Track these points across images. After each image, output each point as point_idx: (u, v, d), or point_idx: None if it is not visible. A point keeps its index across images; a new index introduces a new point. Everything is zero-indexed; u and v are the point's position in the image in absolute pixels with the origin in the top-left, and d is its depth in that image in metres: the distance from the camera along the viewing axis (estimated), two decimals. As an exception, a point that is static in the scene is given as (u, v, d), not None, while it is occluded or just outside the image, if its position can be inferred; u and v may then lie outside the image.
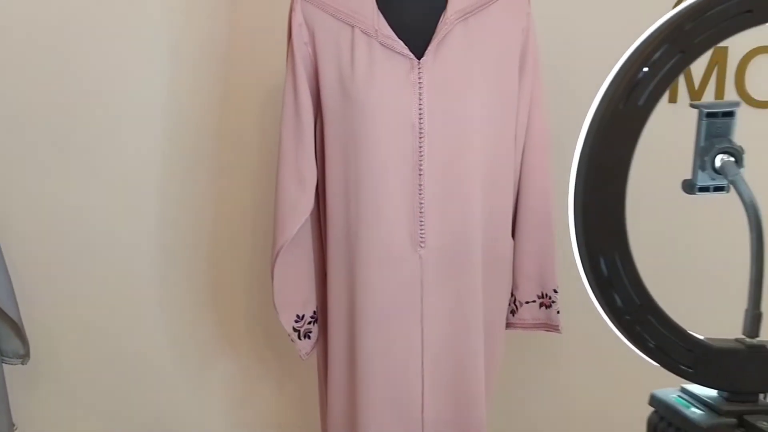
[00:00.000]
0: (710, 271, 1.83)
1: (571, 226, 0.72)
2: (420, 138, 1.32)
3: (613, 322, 0.74)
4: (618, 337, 0.76)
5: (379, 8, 1.32)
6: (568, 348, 1.88)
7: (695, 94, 1.77)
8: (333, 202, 1.38)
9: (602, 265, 0.71)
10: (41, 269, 1.89)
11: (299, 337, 1.47)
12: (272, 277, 1.43)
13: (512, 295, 1.50)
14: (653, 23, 0.70)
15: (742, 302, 0.75)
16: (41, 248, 1.89)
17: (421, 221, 1.33)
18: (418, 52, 1.32)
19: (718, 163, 0.76)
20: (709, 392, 0.76)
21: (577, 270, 0.73)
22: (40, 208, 1.87)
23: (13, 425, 1.81)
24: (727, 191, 0.78)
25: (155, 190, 1.88)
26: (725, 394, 0.75)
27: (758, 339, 0.74)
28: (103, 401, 1.97)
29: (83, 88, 1.83)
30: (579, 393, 1.94)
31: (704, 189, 0.78)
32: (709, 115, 0.75)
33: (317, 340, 1.50)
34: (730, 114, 0.75)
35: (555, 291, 1.48)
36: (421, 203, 1.33)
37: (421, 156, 1.32)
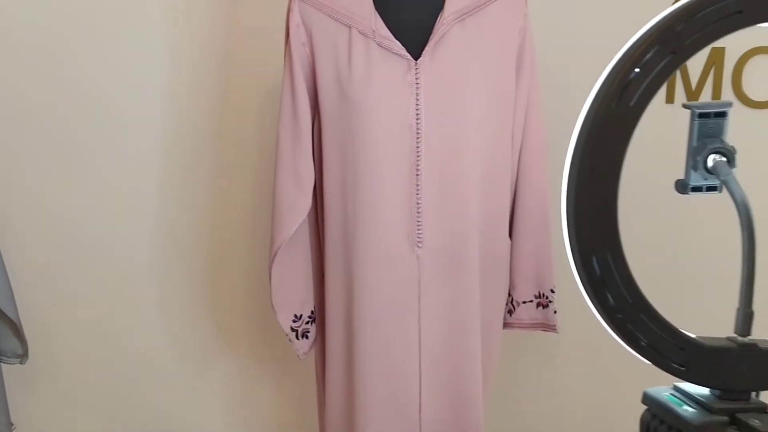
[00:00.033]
0: (703, 271, 1.84)
1: (564, 226, 0.72)
2: (417, 138, 1.32)
3: (605, 321, 0.74)
4: (611, 335, 0.77)
5: (377, 9, 1.33)
6: (565, 348, 1.89)
7: (692, 94, 1.78)
8: (330, 202, 1.38)
9: (595, 264, 0.72)
10: (40, 269, 1.90)
11: (297, 337, 1.47)
12: (270, 277, 1.43)
13: (509, 295, 1.50)
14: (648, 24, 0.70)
15: (734, 301, 0.76)
16: (40, 248, 1.89)
17: (419, 221, 1.34)
18: (416, 52, 1.32)
19: (710, 163, 0.76)
20: (701, 390, 0.77)
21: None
22: (39, 208, 1.87)
23: (12, 425, 1.81)
24: (720, 191, 0.78)
25: (155, 190, 1.89)
26: (717, 392, 0.76)
27: (750, 337, 0.75)
28: (101, 401, 1.97)
29: (83, 88, 1.83)
30: (576, 392, 1.95)
31: (697, 189, 0.78)
32: (702, 115, 0.76)
33: (315, 339, 1.50)
34: (722, 114, 0.76)
35: (552, 291, 1.48)
36: (418, 203, 1.33)
37: (419, 156, 1.32)
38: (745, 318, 0.74)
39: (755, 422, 0.72)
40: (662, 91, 1.80)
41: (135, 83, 1.84)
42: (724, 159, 0.76)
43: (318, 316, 1.49)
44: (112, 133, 1.86)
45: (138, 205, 1.89)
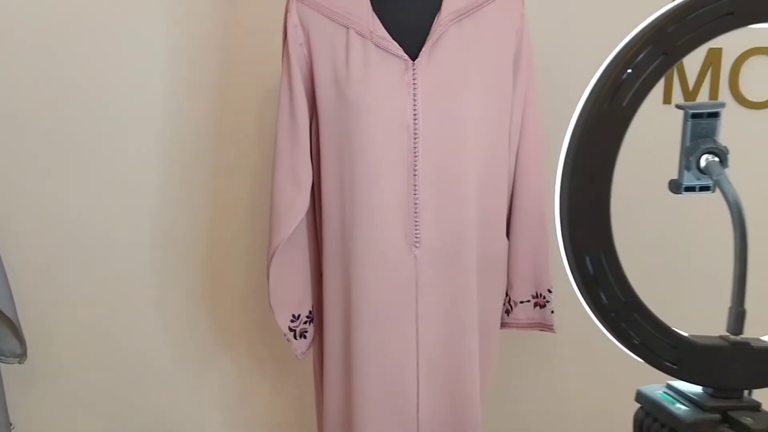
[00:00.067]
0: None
1: (557, 225, 0.73)
2: (415, 139, 1.32)
3: (599, 320, 0.75)
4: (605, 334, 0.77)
5: (374, 9, 1.33)
6: (562, 347, 1.89)
7: (689, 95, 1.78)
8: (328, 202, 1.39)
9: (588, 263, 0.72)
10: (39, 268, 1.90)
11: (295, 337, 1.47)
12: (268, 277, 1.43)
13: (507, 294, 1.50)
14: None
15: (726, 300, 0.76)
16: (39, 247, 1.89)
17: (416, 221, 1.34)
18: (413, 53, 1.32)
19: (703, 163, 0.77)
20: (694, 388, 0.78)
21: (569, 269, 0.74)
22: (39, 208, 1.88)
23: (11, 425, 1.81)
24: (713, 191, 0.79)
25: (154, 190, 1.89)
26: (710, 390, 0.76)
27: (742, 336, 0.76)
28: (100, 400, 1.97)
29: (83, 88, 1.83)
30: (573, 392, 1.95)
31: (690, 189, 0.79)
32: (695, 116, 0.76)
33: (313, 339, 1.50)
34: (714, 115, 0.77)
35: (549, 291, 1.49)
36: (416, 203, 1.34)
37: (416, 157, 1.33)
38: (737, 317, 0.74)
39: (747, 420, 0.72)
40: (659, 92, 1.81)
41: (135, 83, 1.84)
42: (717, 159, 0.76)
43: (316, 316, 1.49)
44: (112, 133, 1.86)
45: (137, 205, 1.90)
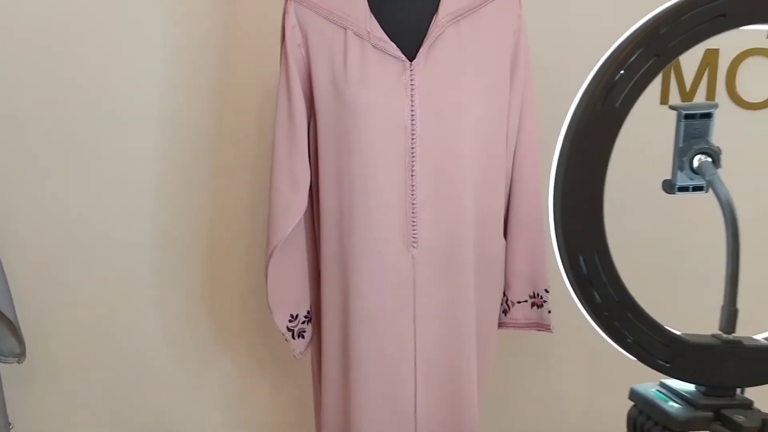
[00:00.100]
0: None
1: (551, 225, 0.74)
2: (412, 139, 1.33)
3: (592, 319, 0.76)
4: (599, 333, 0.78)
5: (372, 11, 1.33)
6: (559, 347, 1.90)
7: (686, 95, 1.79)
8: (326, 202, 1.39)
9: (581, 263, 0.73)
10: (39, 268, 1.90)
11: (293, 337, 1.48)
12: (266, 277, 1.44)
13: (504, 294, 1.51)
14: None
15: (719, 299, 0.77)
16: (38, 247, 1.90)
17: (414, 222, 1.35)
18: (411, 54, 1.33)
19: (696, 163, 0.78)
20: (687, 387, 0.78)
21: (566, 269, 0.75)
22: (38, 207, 1.88)
23: (9, 424, 1.81)
24: (706, 191, 0.79)
25: (154, 190, 1.90)
26: (702, 388, 0.77)
27: (734, 335, 0.76)
28: (99, 400, 1.98)
29: (83, 88, 1.84)
30: (571, 391, 1.96)
31: (683, 189, 0.80)
32: (687, 116, 0.77)
33: (311, 339, 1.51)
34: (707, 116, 0.77)
35: (546, 291, 1.49)
36: (413, 204, 1.34)
37: (414, 157, 1.33)
38: (730, 316, 0.75)
39: (739, 418, 0.73)
40: (656, 92, 1.81)
41: (135, 83, 1.85)
42: (710, 159, 0.77)
43: (314, 315, 1.50)
44: (112, 133, 1.86)
45: (137, 205, 1.90)
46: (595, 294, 0.73)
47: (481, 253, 1.41)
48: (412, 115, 1.32)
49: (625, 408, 0.92)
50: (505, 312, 1.51)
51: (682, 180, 0.79)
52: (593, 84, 0.69)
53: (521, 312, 1.50)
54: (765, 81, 1.79)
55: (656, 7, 0.75)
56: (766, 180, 1.81)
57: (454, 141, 1.34)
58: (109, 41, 1.82)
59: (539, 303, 1.50)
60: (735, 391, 0.77)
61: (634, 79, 0.67)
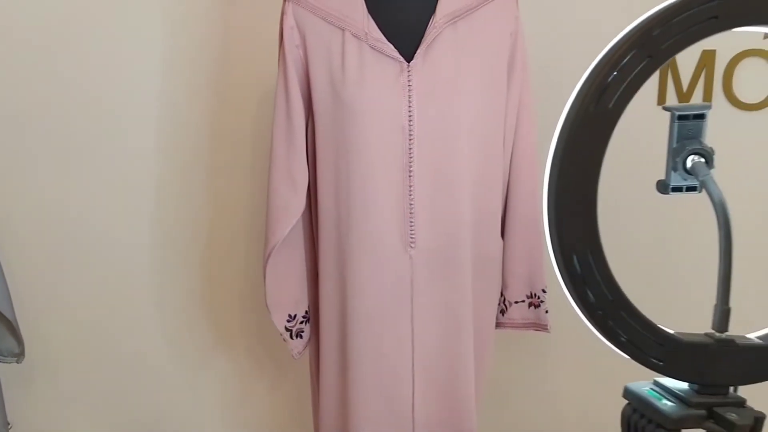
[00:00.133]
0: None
1: (546, 225, 0.74)
2: (410, 140, 1.33)
3: (586, 318, 0.76)
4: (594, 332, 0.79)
5: (370, 12, 1.34)
6: (557, 347, 1.90)
7: (683, 96, 1.79)
8: (324, 203, 1.40)
9: (575, 262, 0.73)
10: (38, 268, 1.90)
11: (291, 337, 1.48)
12: (264, 277, 1.44)
13: (502, 294, 1.51)
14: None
15: (712, 298, 0.77)
16: (38, 247, 1.90)
17: (411, 222, 1.35)
18: (408, 55, 1.33)
19: (689, 164, 0.78)
20: (680, 385, 0.79)
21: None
22: (37, 207, 1.88)
23: (8, 424, 1.81)
24: (699, 191, 0.80)
25: (153, 191, 1.90)
26: (696, 386, 0.78)
27: (727, 333, 0.77)
28: (98, 400, 1.98)
29: (82, 88, 1.84)
30: (568, 391, 1.96)
31: (677, 189, 0.80)
32: (681, 117, 0.78)
33: (309, 339, 1.51)
34: (700, 117, 0.78)
35: (543, 291, 1.50)
36: (411, 204, 1.35)
37: (411, 158, 1.34)
38: (723, 315, 0.76)
39: (732, 416, 0.74)
40: (654, 93, 1.82)
41: (134, 84, 1.85)
42: (703, 160, 0.77)
43: (312, 316, 1.50)
44: (111, 133, 1.87)
45: (136, 205, 1.90)
46: (589, 293, 0.74)
47: (479, 254, 1.41)
48: (410, 116, 1.33)
49: (621, 407, 0.92)
50: (502, 312, 1.52)
51: (676, 180, 0.79)
52: (586, 85, 0.70)
53: (519, 312, 1.51)
54: (761, 82, 1.79)
55: (653, 7, 0.76)
56: (762, 180, 1.82)
57: (452, 142, 1.35)
58: (108, 42, 1.82)
59: (536, 303, 1.50)
60: (728, 389, 0.78)
61: (627, 80, 0.68)
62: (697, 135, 0.78)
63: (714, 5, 0.70)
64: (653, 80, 1.81)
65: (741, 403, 0.77)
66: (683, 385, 0.78)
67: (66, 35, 1.82)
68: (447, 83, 1.34)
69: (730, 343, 0.76)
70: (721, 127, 1.79)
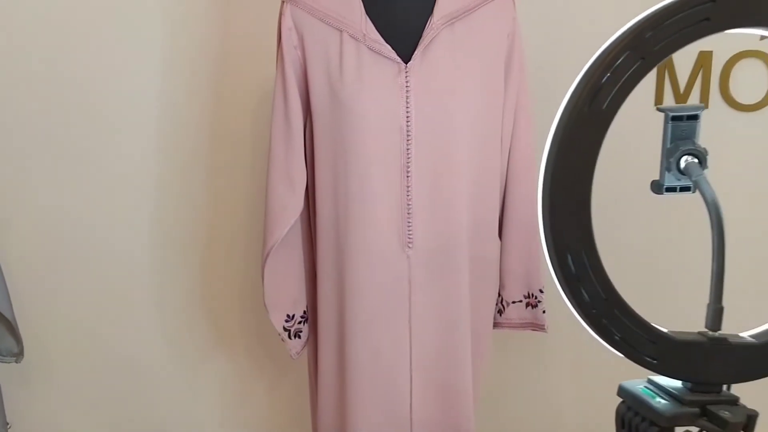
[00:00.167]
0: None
1: (540, 225, 0.75)
2: (407, 141, 1.34)
3: (580, 316, 0.77)
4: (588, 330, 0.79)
5: (367, 13, 1.34)
6: (554, 347, 1.91)
7: (680, 97, 1.80)
8: (322, 203, 1.40)
9: (570, 261, 0.74)
10: (37, 268, 1.91)
11: (289, 337, 1.49)
12: (263, 278, 1.45)
13: (499, 294, 1.51)
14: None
15: (705, 297, 0.78)
16: (37, 247, 1.90)
17: (409, 222, 1.36)
18: (406, 56, 1.34)
19: (683, 164, 0.79)
20: (674, 383, 0.79)
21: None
22: (35, 208, 1.89)
23: (8, 424, 1.81)
24: (693, 191, 0.81)
25: (152, 191, 1.90)
26: (689, 384, 0.78)
27: (720, 332, 0.77)
28: (97, 400, 1.98)
29: (82, 88, 1.84)
30: (566, 390, 1.97)
31: (671, 189, 0.81)
32: (674, 118, 0.78)
33: (308, 339, 1.52)
34: (694, 117, 0.79)
35: (541, 291, 1.50)
36: (408, 204, 1.35)
37: (409, 158, 1.34)
38: (716, 313, 0.76)
39: (725, 414, 0.74)
40: (651, 94, 1.83)
41: (133, 84, 1.85)
42: (696, 160, 0.78)
43: (310, 315, 1.51)
44: (110, 133, 1.87)
45: (135, 206, 1.91)
46: (584, 292, 0.75)
47: (476, 254, 1.41)
48: (408, 117, 1.33)
49: (616, 405, 0.93)
50: (500, 312, 1.52)
51: (670, 180, 0.80)
52: (580, 87, 0.70)
53: (516, 312, 1.51)
54: (758, 83, 1.80)
55: (650, 7, 0.76)
56: (758, 180, 1.82)
57: (449, 142, 1.35)
58: (108, 42, 1.83)
59: (534, 303, 1.51)
60: (721, 387, 0.79)
61: (621, 81, 0.69)
62: (690, 136, 0.79)
63: (705, 8, 0.70)
64: (650, 81, 1.82)
65: (734, 401, 0.78)
66: (677, 384, 0.79)
67: (66, 35, 1.82)
68: (444, 84, 1.34)
69: (723, 341, 0.77)
70: (718, 128, 1.81)
